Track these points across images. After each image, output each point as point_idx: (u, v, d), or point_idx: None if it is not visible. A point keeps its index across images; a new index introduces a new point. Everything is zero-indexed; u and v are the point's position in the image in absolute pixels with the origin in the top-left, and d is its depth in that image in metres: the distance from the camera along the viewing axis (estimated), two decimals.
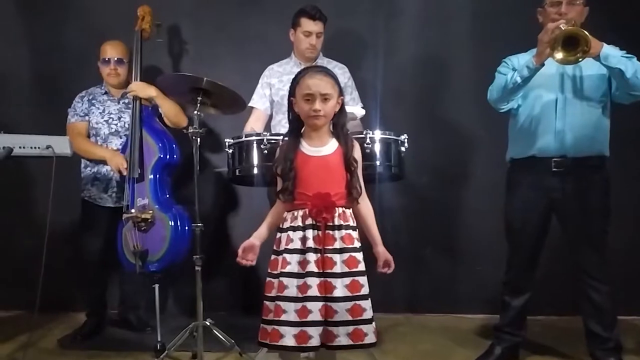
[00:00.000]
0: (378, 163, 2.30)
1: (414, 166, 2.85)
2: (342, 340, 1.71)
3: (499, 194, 2.49)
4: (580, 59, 2.07)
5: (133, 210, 2.63)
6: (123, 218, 2.65)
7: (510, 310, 2.40)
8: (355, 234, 1.79)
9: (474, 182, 3.22)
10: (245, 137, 2.38)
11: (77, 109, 2.88)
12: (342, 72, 2.75)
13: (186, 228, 2.63)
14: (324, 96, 1.77)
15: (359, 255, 1.78)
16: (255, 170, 2.35)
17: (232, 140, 2.39)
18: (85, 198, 2.87)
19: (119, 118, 2.87)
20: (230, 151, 2.39)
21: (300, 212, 1.77)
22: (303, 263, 1.73)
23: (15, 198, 3.33)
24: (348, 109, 1.95)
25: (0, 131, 2.32)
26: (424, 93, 3.25)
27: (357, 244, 1.79)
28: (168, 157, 2.74)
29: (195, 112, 2.38)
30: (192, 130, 2.34)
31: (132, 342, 2.77)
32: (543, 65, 2.16)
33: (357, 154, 1.85)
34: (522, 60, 2.28)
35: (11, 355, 2.57)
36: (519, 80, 2.21)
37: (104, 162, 2.78)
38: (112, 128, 2.86)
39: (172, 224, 2.61)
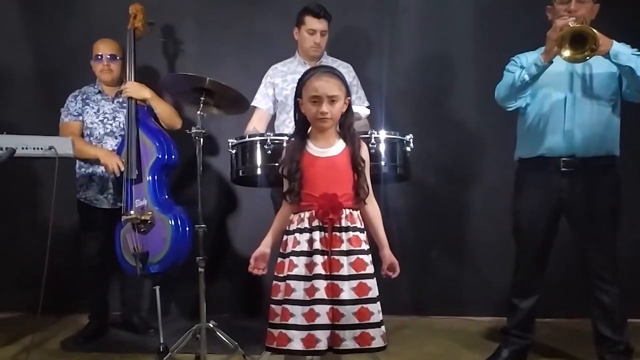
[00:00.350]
0: (383, 163, 2.27)
1: (420, 166, 2.83)
2: (349, 344, 1.69)
3: (506, 194, 2.46)
4: (588, 57, 2.05)
5: (132, 212, 2.60)
6: (122, 220, 2.62)
7: (518, 312, 2.38)
8: (363, 236, 1.77)
9: (481, 182, 3.18)
10: (249, 137, 2.36)
11: (71, 109, 2.85)
12: (347, 71, 2.73)
13: (187, 229, 2.61)
14: (331, 98, 1.75)
15: (367, 258, 1.75)
16: (259, 171, 2.33)
17: (235, 141, 2.36)
18: (81, 200, 2.84)
19: (114, 118, 2.84)
20: (234, 152, 2.36)
21: (307, 214, 1.76)
22: (310, 265, 1.71)
23: (18, 199, 3.33)
24: (353, 108, 1.91)
25: (3, 132, 2.31)
26: (429, 92, 3.22)
27: (365, 246, 1.77)
28: (166, 157, 2.71)
29: (198, 112, 2.36)
30: (195, 130, 2.32)
31: (135, 344, 2.76)
32: (551, 63, 2.13)
33: (365, 154, 1.83)
34: (530, 58, 2.26)
35: (15, 357, 2.57)
36: (526, 78, 2.18)
37: (98, 162, 2.74)
38: (107, 128, 2.83)
39: (173, 225, 2.58)
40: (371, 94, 2.91)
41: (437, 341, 2.78)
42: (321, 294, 1.68)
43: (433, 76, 3.20)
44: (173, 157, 2.74)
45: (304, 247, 1.73)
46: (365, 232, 1.80)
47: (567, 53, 2.05)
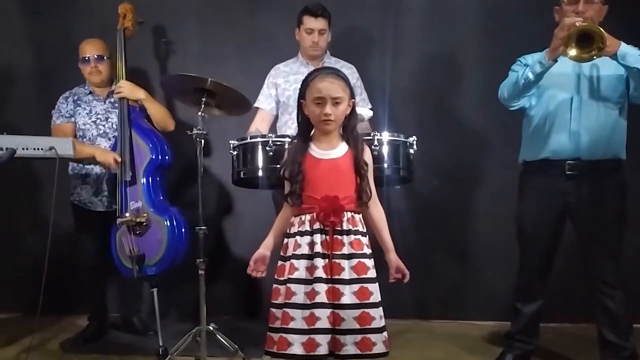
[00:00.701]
0: (386, 166, 2.26)
1: (424, 169, 2.81)
2: (350, 349, 1.68)
3: (511, 197, 2.44)
4: (594, 57, 2.02)
5: (127, 214, 2.58)
6: (117, 222, 2.61)
7: (522, 317, 2.36)
8: (365, 240, 1.76)
9: (485, 185, 3.16)
10: (250, 138, 2.34)
11: (62, 110, 2.82)
12: (350, 72, 2.71)
13: (183, 230, 2.60)
14: (335, 100, 1.74)
15: (369, 262, 1.74)
16: (260, 173, 2.31)
17: (236, 142, 2.35)
18: (75, 202, 2.82)
19: (106, 119, 2.81)
20: (235, 153, 2.35)
21: (308, 216, 1.74)
22: (311, 269, 1.70)
23: (18, 200, 3.32)
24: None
25: (4, 132, 2.30)
26: (433, 93, 3.19)
27: (367, 250, 1.75)
28: (160, 157, 2.69)
29: (200, 113, 2.35)
30: (196, 132, 2.30)
31: (135, 346, 2.75)
32: (556, 61, 2.11)
33: (368, 157, 1.82)
34: (536, 58, 2.22)
35: (14, 358, 2.56)
36: (530, 76, 2.15)
37: (94, 162, 2.71)
38: (100, 129, 2.80)
39: (169, 226, 2.57)
40: (374, 95, 2.89)
41: (439, 345, 2.76)
42: (322, 298, 1.67)
43: (437, 77, 3.17)
44: (167, 157, 2.72)
45: (304, 250, 1.72)
46: (367, 235, 1.78)
47: (573, 52, 2.02)
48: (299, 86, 2.62)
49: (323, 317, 1.66)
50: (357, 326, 1.67)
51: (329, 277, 1.69)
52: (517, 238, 2.39)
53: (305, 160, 1.77)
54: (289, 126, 2.69)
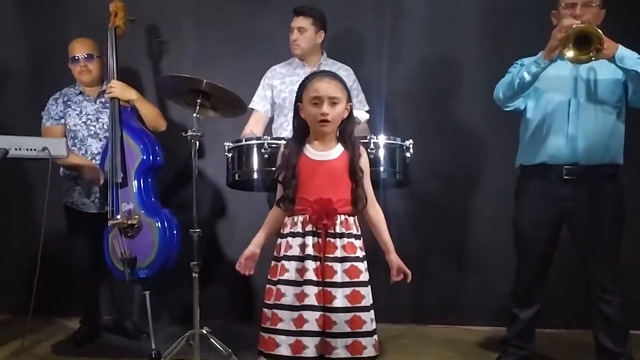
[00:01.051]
0: (382, 169, 2.24)
1: (420, 172, 2.79)
2: (340, 352, 1.68)
3: (508, 202, 2.43)
4: (592, 58, 2.01)
5: (118, 217, 2.56)
6: (108, 225, 2.58)
7: (518, 322, 2.35)
8: (358, 243, 1.76)
9: (483, 189, 3.14)
10: (246, 140, 2.32)
11: (52, 112, 2.79)
12: (347, 74, 2.70)
13: (174, 232, 2.58)
14: (332, 100, 1.74)
15: (362, 265, 1.74)
16: (255, 175, 2.29)
17: (231, 144, 2.33)
18: (67, 204, 2.79)
19: (97, 119, 2.79)
20: (230, 155, 2.33)
21: (301, 218, 1.74)
22: (301, 271, 1.70)
23: (10, 201, 3.29)
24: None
25: None
26: (431, 96, 3.17)
27: (360, 253, 1.75)
28: (152, 158, 2.67)
29: (195, 114, 2.33)
30: (191, 133, 2.29)
31: (127, 349, 2.73)
32: (552, 61, 2.10)
33: (365, 162, 1.81)
34: (532, 58, 2.21)
35: None
36: (526, 76, 2.14)
37: (80, 174, 2.69)
38: (90, 130, 2.78)
39: (160, 228, 2.55)
40: (371, 97, 2.87)
41: (435, 351, 2.74)
42: (311, 300, 1.67)
43: (435, 80, 3.16)
44: (158, 158, 2.70)
45: (295, 251, 1.72)
46: (361, 238, 1.78)
47: (571, 53, 2.02)
48: (294, 88, 2.61)
49: (311, 320, 1.66)
50: (349, 329, 1.68)
51: (320, 280, 1.69)
52: (514, 243, 2.37)
53: (300, 162, 1.76)
54: (285, 128, 2.68)
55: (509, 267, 2.42)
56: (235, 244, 3.17)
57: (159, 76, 3.15)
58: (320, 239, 1.71)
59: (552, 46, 2.05)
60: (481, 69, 3.04)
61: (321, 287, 1.68)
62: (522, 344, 2.36)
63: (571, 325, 2.92)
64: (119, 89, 2.70)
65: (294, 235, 1.73)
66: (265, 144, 2.22)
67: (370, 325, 1.71)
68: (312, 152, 1.78)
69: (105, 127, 2.76)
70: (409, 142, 2.30)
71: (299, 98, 1.80)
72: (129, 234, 2.55)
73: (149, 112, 2.78)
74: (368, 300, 1.72)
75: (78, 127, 2.78)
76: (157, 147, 2.71)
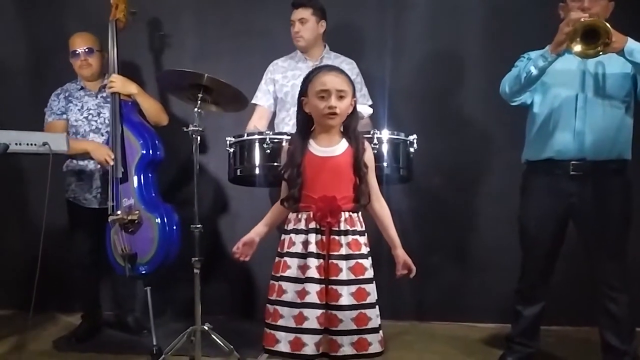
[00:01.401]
0: (385, 164, 2.22)
1: (424, 168, 2.76)
2: (347, 350, 1.69)
3: (512, 198, 2.40)
4: (600, 53, 1.98)
5: (119, 212, 2.56)
6: (109, 220, 2.58)
7: (522, 319, 2.33)
8: (363, 239, 1.75)
9: (487, 185, 3.11)
10: (247, 135, 2.30)
11: (54, 108, 2.80)
12: (350, 68, 2.68)
13: (174, 227, 2.57)
14: (340, 93, 1.73)
15: (366, 262, 1.74)
16: (257, 171, 2.28)
17: (233, 139, 2.32)
18: (69, 199, 2.79)
19: (99, 114, 2.78)
20: (231, 150, 2.31)
21: (304, 215, 1.73)
22: (303, 268, 1.70)
23: (9, 196, 3.28)
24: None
25: None
26: (435, 91, 3.14)
27: (365, 250, 1.75)
28: (151, 152, 2.66)
29: (196, 109, 2.31)
30: (192, 128, 2.27)
31: (129, 345, 2.73)
32: (559, 55, 2.07)
33: (369, 158, 1.80)
34: (539, 52, 2.18)
35: (5, 357, 2.54)
36: (533, 70, 2.12)
37: (88, 157, 2.69)
38: (92, 125, 2.77)
39: (160, 224, 2.54)
40: (374, 92, 2.85)
41: (438, 348, 2.73)
42: (312, 298, 1.67)
43: (439, 74, 3.12)
44: (158, 152, 2.69)
45: (298, 248, 1.72)
46: (365, 234, 1.77)
47: (578, 47, 1.99)
48: (296, 82, 2.59)
49: (312, 318, 1.66)
50: (355, 327, 1.68)
51: (324, 277, 1.69)
52: (519, 239, 2.35)
53: (305, 159, 1.75)
54: (287, 123, 2.66)
55: (513, 263, 2.40)
56: (237, 240, 3.10)
57: (160, 70, 3.13)
58: (323, 237, 1.70)
59: (560, 40, 2.03)
60: (485, 64, 3.01)
61: (324, 285, 1.68)
62: (527, 341, 2.34)
63: (577, 322, 2.89)
64: (119, 83, 2.69)
65: (297, 232, 1.73)
66: (267, 139, 2.21)
67: (376, 322, 1.71)
68: (316, 148, 1.76)
69: (107, 121, 2.75)
70: (412, 137, 2.28)
71: (303, 92, 1.78)
72: (130, 230, 2.55)
73: (150, 107, 2.77)
74: (373, 297, 1.72)
75: (79, 122, 2.78)
76: (156, 141, 2.70)
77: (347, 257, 1.70)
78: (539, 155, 2.25)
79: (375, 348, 1.70)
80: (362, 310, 1.68)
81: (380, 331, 1.73)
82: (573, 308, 2.79)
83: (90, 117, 2.78)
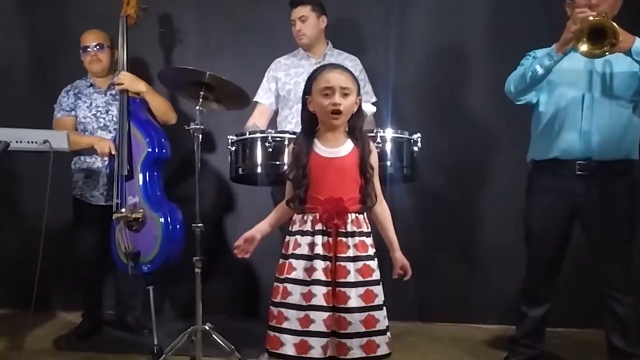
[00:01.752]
0: (389, 164, 2.21)
1: (428, 167, 2.75)
2: (356, 352, 1.67)
3: (517, 197, 2.38)
4: (607, 52, 1.96)
5: (123, 210, 2.55)
6: (113, 218, 2.57)
7: (527, 321, 2.31)
8: (369, 241, 1.74)
9: (492, 184, 3.08)
10: (249, 134, 2.28)
11: (63, 104, 2.82)
12: (353, 65, 2.65)
13: (178, 227, 2.57)
14: (344, 90, 1.70)
15: (373, 264, 1.72)
16: (259, 169, 2.25)
17: (235, 137, 2.29)
18: (76, 196, 2.81)
19: (107, 111, 2.79)
20: (233, 149, 2.29)
21: (310, 216, 1.71)
22: (309, 270, 1.68)
23: (10, 194, 3.27)
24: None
25: None
26: (439, 88, 3.11)
27: (371, 251, 1.73)
28: (157, 150, 2.65)
29: (198, 107, 2.30)
30: (193, 126, 2.26)
31: (129, 344, 2.72)
32: (565, 54, 2.05)
33: (374, 159, 1.78)
34: (545, 51, 2.15)
35: (5, 355, 2.53)
36: (539, 69, 2.09)
37: (94, 153, 2.70)
38: (100, 122, 2.79)
39: (163, 223, 2.53)
40: (378, 89, 2.82)
41: (441, 349, 2.71)
42: (318, 301, 1.65)
43: (443, 72, 3.10)
44: (164, 151, 2.69)
45: (304, 250, 1.69)
46: (371, 236, 1.75)
47: (584, 47, 1.96)
48: (299, 80, 2.56)
49: (318, 320, 1.64)
50: (363, 329, 1.67)
51: (330, 280, 1.67)
52: (524, 239, 2.33)
53: (310, 160, 1.73)
54: (289, 121, 2.64)
55: (518, 264, 2.38)
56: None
57: (164, 67, 3.12)
58: (330, 239, 1.68)
59: (566, 39, 2.00)
60: (491, 62, 2.99)
61: (330, 288, 1.66)
62: (532, 343, 2.32)
63: (582, 324, 2.87)
64: (128, 81, 2.69)
65: (303, 233, 1.71)
66: (270, 138, 2.18)
67: (384, 323, 1.70)
68: (322, 148, 1.74)
69: (115, 119, 2.76)
70: (416, 136, 2.26)
71: (307, 90, 1.76)
72: (134, 228, 2.55)
73: (158, 105, 2.76)
74: (381, 299, 1.71)
75: (88, 119, 2.79)
76: (163, 139, 2.69)
77: (354, 259, 1.68)
78: (544, 155, 2.23)
79: (383, 350, 1.69)
80: (371, 312, 1.67)
81: (388, 332, 1.72)
82: (578, 310, 2.76)
83: (98, 114, 2.79)
